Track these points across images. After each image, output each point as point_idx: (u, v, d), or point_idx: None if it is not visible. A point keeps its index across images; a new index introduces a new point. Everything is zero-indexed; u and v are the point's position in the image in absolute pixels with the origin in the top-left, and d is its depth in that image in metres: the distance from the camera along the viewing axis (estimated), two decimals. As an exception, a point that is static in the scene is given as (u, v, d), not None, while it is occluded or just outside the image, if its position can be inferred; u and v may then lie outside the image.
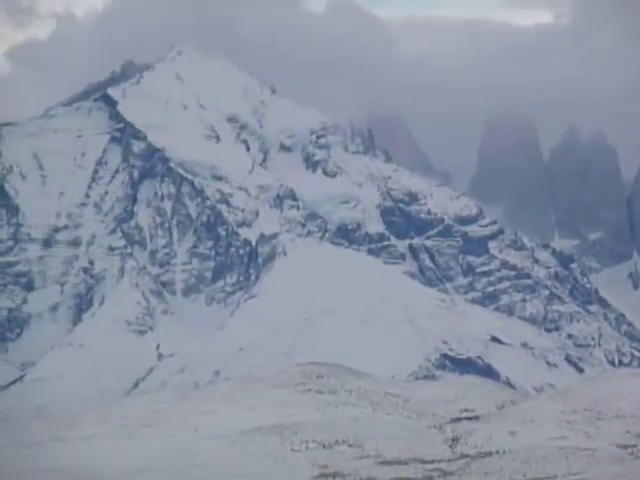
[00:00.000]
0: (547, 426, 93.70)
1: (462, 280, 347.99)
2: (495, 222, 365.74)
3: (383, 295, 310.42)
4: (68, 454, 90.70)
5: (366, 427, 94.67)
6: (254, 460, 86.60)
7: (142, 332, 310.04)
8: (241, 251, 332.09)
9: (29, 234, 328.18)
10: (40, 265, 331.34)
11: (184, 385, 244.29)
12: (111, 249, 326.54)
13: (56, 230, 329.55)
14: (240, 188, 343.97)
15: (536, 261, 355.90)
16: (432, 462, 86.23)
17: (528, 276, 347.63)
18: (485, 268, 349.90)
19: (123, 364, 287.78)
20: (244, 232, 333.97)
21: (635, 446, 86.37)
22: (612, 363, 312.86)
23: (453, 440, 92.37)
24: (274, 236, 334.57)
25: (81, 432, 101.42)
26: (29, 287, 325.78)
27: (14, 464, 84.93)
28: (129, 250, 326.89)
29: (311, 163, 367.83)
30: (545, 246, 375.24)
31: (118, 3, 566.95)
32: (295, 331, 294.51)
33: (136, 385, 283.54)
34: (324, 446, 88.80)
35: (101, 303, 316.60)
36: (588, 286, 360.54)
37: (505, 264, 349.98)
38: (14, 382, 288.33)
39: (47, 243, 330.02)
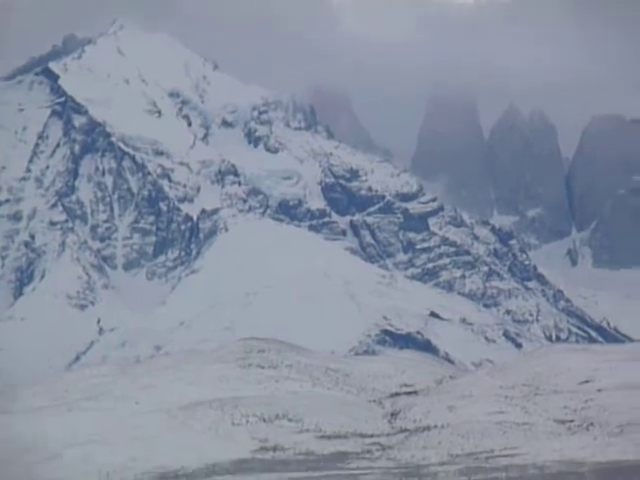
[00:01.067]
0: (485, 401, 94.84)
1: (402, 256, 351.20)
2: (435, 199, 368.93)
3: (324, 271, 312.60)
4: (10, 426, 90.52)
5: (306, 402, 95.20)
6: (195, 434, 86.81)
7: (83, 306, 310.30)
8: (182, 226, 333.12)
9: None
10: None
11: (125, 359, 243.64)
12: (52, 223, 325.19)
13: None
14: (182, 163, 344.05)
15: (475, 238, 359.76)
16: (371, 436, 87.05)
17: (467, 252, 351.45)
18: (425, 244, 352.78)
19: (64, 338, 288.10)
20: (185, 207, 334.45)
21: (572, 421, 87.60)
22: (550, 339, 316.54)
23: (392, 414, 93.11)
24: (215, 211, 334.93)
25: (23, 404, 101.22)
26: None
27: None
28: (70, 224, 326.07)
29: (253, 139, 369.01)
30: (485, 223, 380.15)
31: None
32: (236, 306, 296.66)
33: (77, 359, 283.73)
34: (264, 420, 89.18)
35: (42, 277, 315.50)
36: (527, 263, 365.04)
37: (445, 240, 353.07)
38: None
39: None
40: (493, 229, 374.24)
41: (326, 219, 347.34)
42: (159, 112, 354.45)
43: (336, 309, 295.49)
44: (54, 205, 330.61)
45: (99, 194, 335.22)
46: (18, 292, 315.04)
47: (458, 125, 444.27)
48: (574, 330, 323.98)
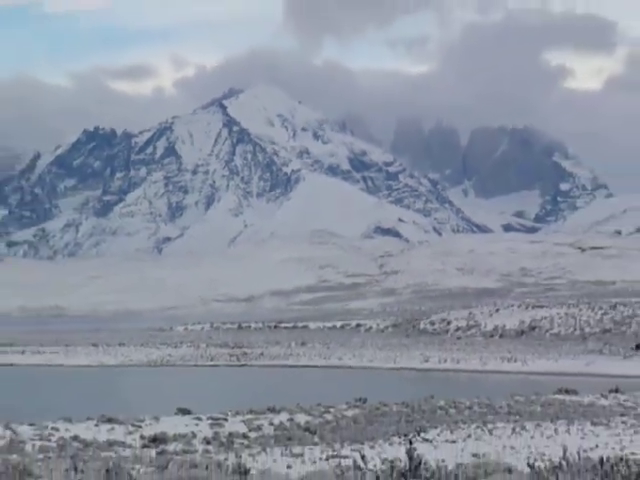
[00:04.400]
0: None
1: (385, 192, 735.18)
2: (402, 165, 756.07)
3: (350, 198, 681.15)
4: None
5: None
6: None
7: (237, 214, 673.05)
8: (283, 177, 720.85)
9: None
10: None
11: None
12: (223, 176, 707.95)
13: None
14: (283, 148, 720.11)
15: (420, 183, 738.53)
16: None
17: (416, 190, 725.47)
18: (396, 186, 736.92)
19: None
20: (284, 169, 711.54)
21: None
22: (455, 230, 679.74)
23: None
24: (298, 170, 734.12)
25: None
26: None
27: None
28: (231, 176, 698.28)
29: (318, 138, 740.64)
30: (425, 176, 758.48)
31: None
32: (313, 214, 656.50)
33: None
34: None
35: (218, 201, 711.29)
36: (444, 195, 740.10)
37: (405, 185, 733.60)
38: None
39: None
40: (429, 179, 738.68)
41: (351, 174, 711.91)
42: (272, 124, 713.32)
43: (354, 211, 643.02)
44: (223, 167, 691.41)
45: (244, 162, 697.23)
46: (206, 209, 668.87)
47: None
48: (463, 225, 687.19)
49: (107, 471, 17.91)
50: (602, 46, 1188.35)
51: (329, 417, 38.10)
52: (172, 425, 35.31)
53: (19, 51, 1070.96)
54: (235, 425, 35.50)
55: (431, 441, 32.03)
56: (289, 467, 24.00)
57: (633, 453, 24.38)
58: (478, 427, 35.91)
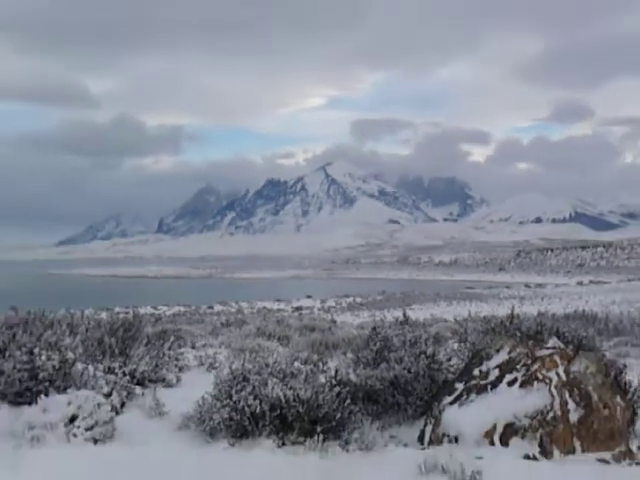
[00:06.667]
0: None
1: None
2: (396, 192, 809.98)
3: (373, 205, 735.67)
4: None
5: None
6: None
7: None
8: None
9: None
10: None
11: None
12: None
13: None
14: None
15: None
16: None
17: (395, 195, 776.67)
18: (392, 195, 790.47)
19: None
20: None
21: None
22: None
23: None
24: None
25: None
26: None
27: None
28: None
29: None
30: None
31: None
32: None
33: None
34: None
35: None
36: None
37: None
38: None
39: None
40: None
41: (381, 198, 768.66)
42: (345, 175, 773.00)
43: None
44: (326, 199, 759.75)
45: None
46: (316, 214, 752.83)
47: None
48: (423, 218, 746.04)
49: (277, 321, 32.32)
50: None
51: (369, 299, 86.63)
52: (304, 302, 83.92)
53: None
54: (330, 302, 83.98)
55: (413, 310, 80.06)
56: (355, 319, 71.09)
57: (495, 315, 70.61)
58: (433, 303, 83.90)
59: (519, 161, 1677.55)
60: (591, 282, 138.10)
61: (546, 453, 8.31)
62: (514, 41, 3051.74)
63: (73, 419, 8.33)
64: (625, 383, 9.56)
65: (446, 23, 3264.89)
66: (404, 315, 17.70)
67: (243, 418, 8.61)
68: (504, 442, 8.46)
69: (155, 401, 10.00)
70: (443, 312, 68.35)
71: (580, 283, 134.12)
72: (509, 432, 8.51)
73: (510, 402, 8.69)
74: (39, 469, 7.41)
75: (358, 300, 78.98)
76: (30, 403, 9.05)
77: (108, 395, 9.63)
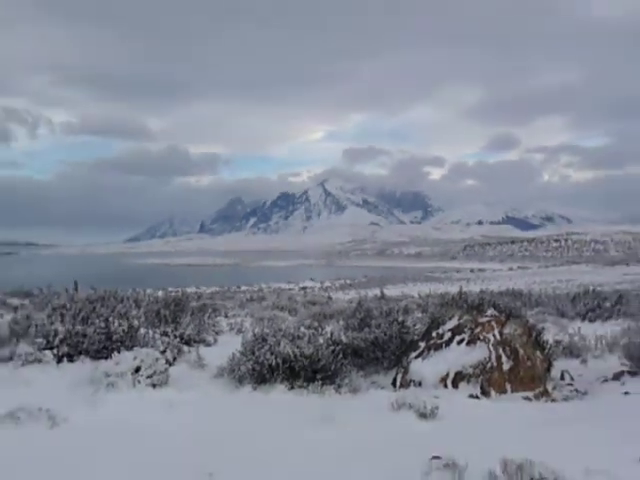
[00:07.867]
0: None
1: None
2: (378, 206, 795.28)
3: (362, 216, 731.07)
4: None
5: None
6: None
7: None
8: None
9: None
10: None
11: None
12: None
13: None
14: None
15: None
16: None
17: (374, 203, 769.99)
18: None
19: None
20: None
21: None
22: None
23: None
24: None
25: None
26: None
27: None
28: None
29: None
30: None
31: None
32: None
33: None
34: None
35: (318, 215, 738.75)
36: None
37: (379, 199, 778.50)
38: None
39: None
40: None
41: (365, 206, 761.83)
42: (339, 189, 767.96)
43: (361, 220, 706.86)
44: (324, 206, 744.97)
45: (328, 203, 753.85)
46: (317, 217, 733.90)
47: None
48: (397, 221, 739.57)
49: (288, 298, 32.99)
50: None
51: (356, 281, 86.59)
52: (308, 283, 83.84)
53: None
54: (327, 283, 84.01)
55: (388, 289, 79.90)
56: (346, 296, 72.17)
57: (448, 292, 71.79)
58: (403, 284, 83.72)
59: (466, 179, 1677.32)
60: (519, 268, 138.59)
61: (485, 393, 8.50)
62: (461, 90, 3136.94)
63: (138, 369, 8.43)
64: (543, 341, 9.85)
65: (412, 78, 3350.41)
66: (381, 293, 17.93)
67: (263, 369, 8.76)
68: (455, 385, 8.66)
69: (198, 356, 10.29)
70: (410, 290, 69.03)
71: (511, 269, 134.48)
72: (458, 378, 8.70)
73: (459, 356, 8.91)
74: (112, 407, 7.59)
75: (348, 282, 79.19)
76: (106, 358, 9.22)
77: (163, 352, 9.83)
